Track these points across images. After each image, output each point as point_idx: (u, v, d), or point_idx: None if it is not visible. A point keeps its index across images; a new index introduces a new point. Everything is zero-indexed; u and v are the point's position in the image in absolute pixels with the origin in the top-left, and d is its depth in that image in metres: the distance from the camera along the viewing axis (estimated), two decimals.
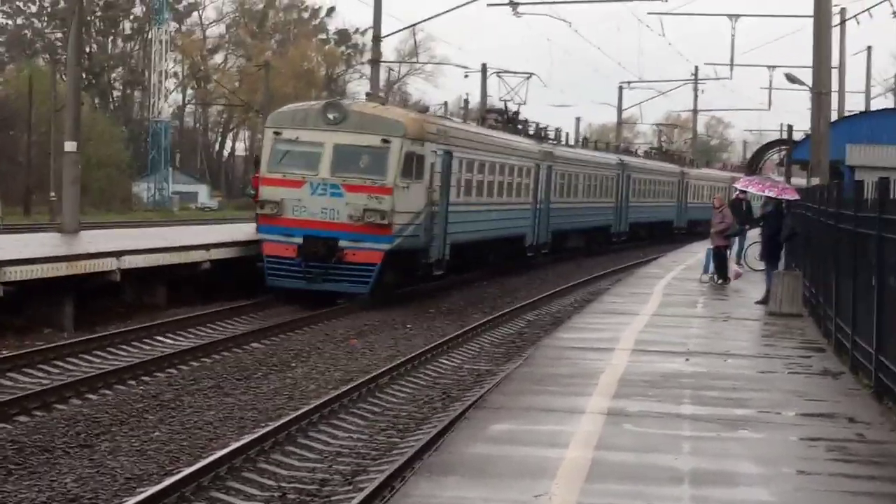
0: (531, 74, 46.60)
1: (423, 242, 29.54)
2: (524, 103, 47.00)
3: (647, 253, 54.57)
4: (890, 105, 58.70)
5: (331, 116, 28.14)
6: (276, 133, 28.98)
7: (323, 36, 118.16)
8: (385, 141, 27.86)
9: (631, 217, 57.03)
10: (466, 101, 53.18)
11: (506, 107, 47.11)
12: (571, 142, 53.54)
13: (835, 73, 37.64)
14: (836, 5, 34.01)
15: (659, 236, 63.80)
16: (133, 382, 18.82)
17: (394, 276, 29.06)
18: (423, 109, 39.51)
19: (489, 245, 38.59)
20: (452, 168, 32.14)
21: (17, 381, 18.50)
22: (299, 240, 27.38)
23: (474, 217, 34.90)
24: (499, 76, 48.67)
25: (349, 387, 18.85)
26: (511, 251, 41.86)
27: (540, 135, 46.80)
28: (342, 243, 27.21)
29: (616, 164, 54.82)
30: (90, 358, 20.66)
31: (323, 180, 27.64)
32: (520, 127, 45.74)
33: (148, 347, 22.34)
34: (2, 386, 18.03)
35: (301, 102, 39.08)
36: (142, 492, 12.51)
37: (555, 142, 48.38)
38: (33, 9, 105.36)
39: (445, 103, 43.85)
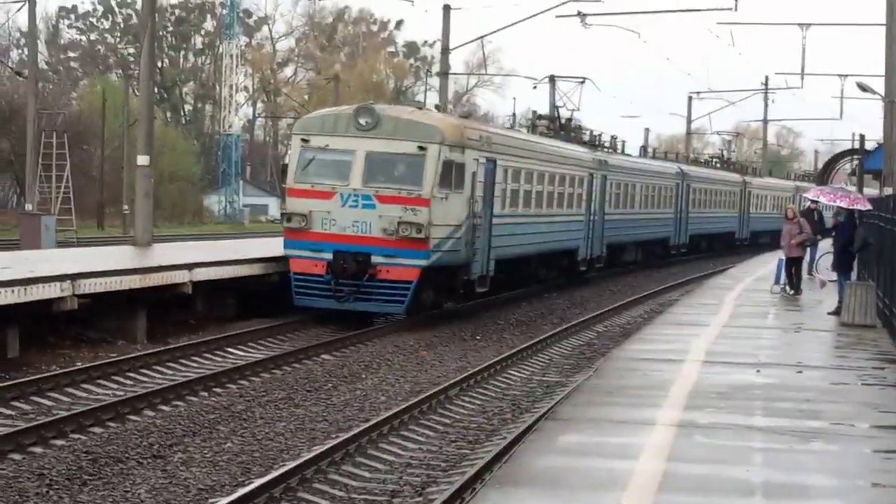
0: (585, 79, 44.71)
1: (464, 257, 26.82)
2: (577, 109, 45.43)
3: (710, 266, 53.91)
4: None
5: (362, 122, 25.55)
6: (304, 140, 26.31)
7: (392, 48, 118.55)
8: (421, 148, 25.26)
9: (691, 228, 55.56)
10: (514, 112, 52.03)
11: (557, 113, 45.18)
12: (631, 150, 52.04)
13: None
14: None
15: (720, 248, 63.44)
16: (205, 394, 18.93)
17: (433, 295, 26.46)
18: (466, 115, 39.13)
19: (538, 259, 36.34)
20: (497, 177, 29.61)
21: (91, 392, 18.68)
22: (329, 255, 24.97)
23: (522, 230, 32.45)
24: (550, 81, 46.41)
25: (419, 398, 18.75)
26: (562, 265, 39.77)
27: (594, 142, 45.34)
28: (375, 259, 24.69)
29: (676, 173, 53.54)
30: (162, 369, 20.92)
31: (354, 191, 25.03)
32: (572, 134, 44.12)
33: (219, 359, 22.49)
34: (76, 397, 18.19)
35: (332, 108, 35.21)
36: (214, 503, 12.92)
37: (610, 150, 46.73)
38: (106, 25, 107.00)
39: (514, 115, 42.97)
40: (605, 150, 45.00)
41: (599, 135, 47.14)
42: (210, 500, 13.14)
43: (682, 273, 49.54)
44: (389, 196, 24.42)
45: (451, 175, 25.33)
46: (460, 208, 26.02)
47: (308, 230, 24.98)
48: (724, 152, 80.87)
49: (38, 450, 14.96)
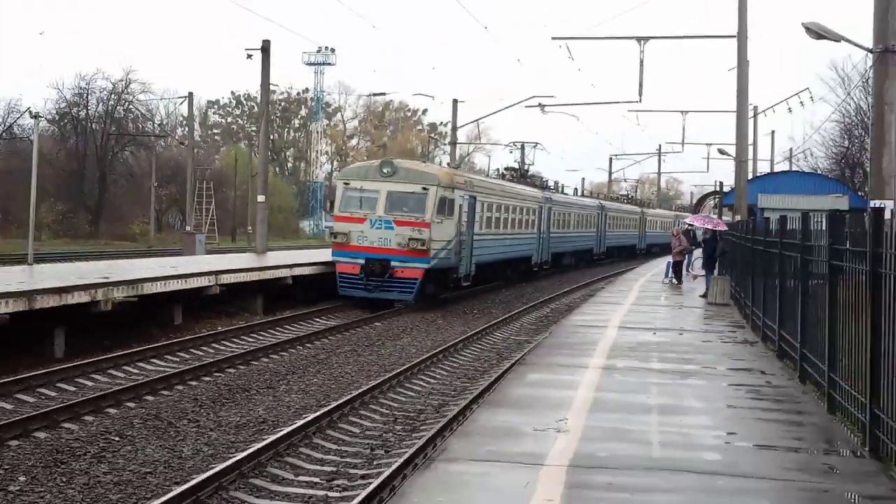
0: (537, 144, 47.35)
1: (454, 262, 28.51)
2: (533, 164, 47.93)
3: (621, 266, 55.41)
4: (786, 168, 57.62)
5: (385, 171, 27.12)
6: (346, 183, 28.11)
7: (419, 127, 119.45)
8: (424, 189, 26.83)
9: (608, 242, 58.12)
10: (488, 166, 53.75)
11: (521, 166, 46.69)
12: (568, 191, 54.09)
13: (751, 148, 37.27)
14: (751, 104, 33.53)
15: (626, 255, 65.28)
16: (300, 347, 20.37)
17: (433, 287, 28.23)
18: (456, 166, 40.86)
19: (505, 263, 37.16)
20: (476, 208, 30.88)
21: (228, 346, 20.21)
22: (362, 261, 26.50)
23: (494, 244, 33.60)
24: (513, 144, 48.43)
25: (436, 350, 20.08)
26: (522, 268, 40.35)
27: (543, 185, 46.31)
28: (394, 263, 26.27)
29: (597, 205, 55.75)
30: (273, 332, 22.90)
31: (379, 217, 26.68)
32: (528, 179, 45.32)
33: (309, 325, 24.51)
34: (218, 350, 19.72)
35: (365, 162, 39.56)
36: (307, 416, 13.59)
37: (553, 190, 47.84)
38: (237, 112, 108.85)
39: (488, 168, 46.30)
40: (551, 190, 46.77)
41: (547, 180, 49.32)
42: (304, 414, 13.78)
43: (602, 271, 51.16)
44: (403, 221, 26.55)
45: (445, 206, 27.42)
46: (451, 229, 27.96)
47: (348, 244, 26.95)
48: (630, 193, 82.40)
49: (193, 383, 16.14)
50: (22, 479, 10.15)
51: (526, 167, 47.82)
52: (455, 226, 28.27)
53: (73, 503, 9.54)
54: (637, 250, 68.74)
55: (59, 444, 11.47)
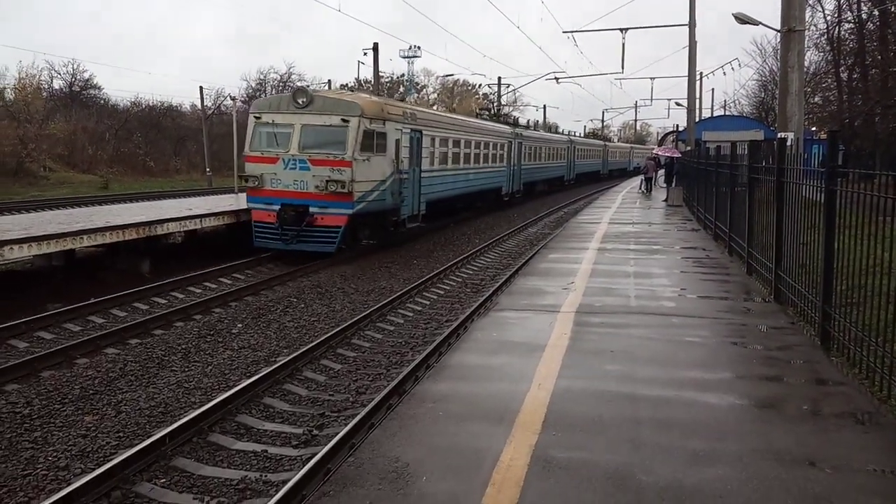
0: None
1: (390, 203, 17.12)
2: (506, 105, 41.51)
3: (590, 189, 43.70)
4: (722, 113, 55.40)
5: (299, 101, 16.12)
6: (257, 118, 16.64)
7: (477, 96, 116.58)
8: (344, 121, 15.85)
9: (577, 170, 46.19)
10: (484, 108, 42.14)
11: (492, 105, 36.38)
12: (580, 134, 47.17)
13: (697, 101, 36.01)
14: (698, 70, 32.40)
15: (591, 180, 53.34)
16: (278, 287, 12.96)
17: (368, 232, 17.42)
18: (402, 98, 25.39)
19: (470, 196, 25.34)
20: (424, 143, 19.17)
21: (236, 280, 13.69)
22: (277, 207, 15.91)
23: (449, 179, 21.80)
24: (474, 84, 40.41)
25: (429, 276, 13.68)
26: (492, 198, 28.43)
27: (515, 123, 34.96)
28: (312, 210, 15.72)
29: (567, 140, 43.90)
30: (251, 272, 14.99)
31: (293, 156, 15.91)
32: (500, 119, 34.56)
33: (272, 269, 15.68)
34: (236, 280, 13.56)
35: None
36: (411, 285, 12.79)
37: (525, 127, 36.09)
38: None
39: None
40: (521, 127, 34.28)
41: (517, 118, 39.42)
42: (408, 286, 12.89)
43: (576, 193, 40.48)
44: (320, 160, 15.58)
45: (372, 142, 16.15)
46: (383, 167, 16.56)
47: (262, 188, 15.99)
48: (595, 131, 74.53)
49: (341, 267, 14.67)
50: (239, 325, 10.29)
51: (498, 108, 37.42)
52: (390, 163, 16.91)
53: (270, 339, 9.69)
54: (601, 175, 57.90)
55: (260, 304, 11.55)
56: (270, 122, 16.12)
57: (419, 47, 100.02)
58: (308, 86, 17.09)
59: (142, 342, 9.36)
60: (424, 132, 19.25)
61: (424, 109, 22.27)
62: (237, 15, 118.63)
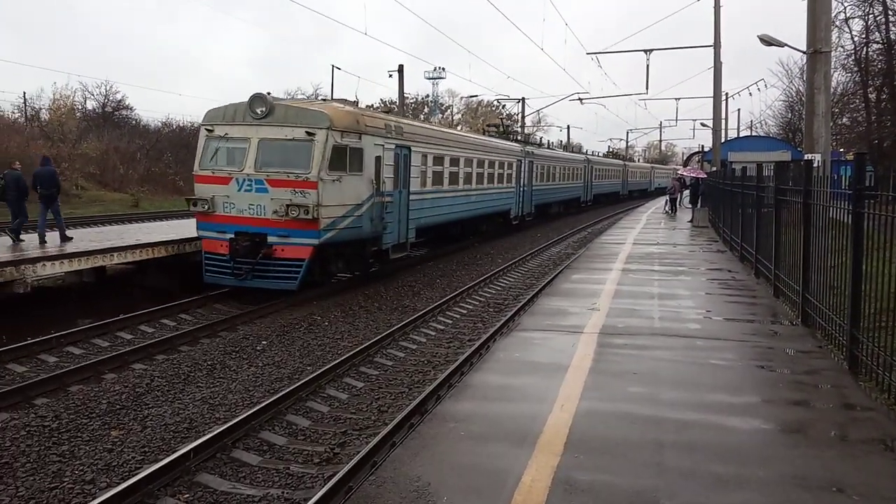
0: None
1: (368, 231, 14.26)
2: (517, 121, 38.78)
3: (608, 212, 41.84)
4: (748, 134, 55.08)
5: (258, 111, 13.34)
6: (209, 130, 13.77)
7: (501, 116, 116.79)
8: (309, 133, 13.03)
9: (595, 190, 43.96)
10: (548, 142, 43.63)
11: (502, 122, 32.93)
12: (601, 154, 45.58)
13: (723, 121, 35.76)
14: (724, 91, 32.25)
15: (610, 201, 51.16)
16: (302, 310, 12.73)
17: (342, 265, 14.69)
18: (387, 110, 20.53)
19: (475, 220, 22.56)
20: (413, 161, 16.37)
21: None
22: (231, 236, 13.14)
23: (447, 202, 18.87)
24: (499, 102, 38.61)
25: (461, 290, 14.22)
26: (498, 221, 25.68)
27: (526, 140, 32.66)
28: (271, 239, 12.93)
29: (584, 160, 41.23)
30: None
31: (248, 176, 13.10)
32: (509, 135, 31.32)
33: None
34: (258, 298, 13.01)
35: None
36: (439, 301, 12.88)
37: (537, 145, 33.58)
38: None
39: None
40: (534, 145, 32.00)
41: (529, 135, 37.90)
42: (435, 301, 13.09)
43: (597, 214, 39.31)
44: (279, 180, 12.84)
45: (344, 158, 13.35)
46: (358, 189, 13.75)
47: (214, 213, 13.23)
48: (613, 149, 72.75)
49: (366, 290, 14.29)
50: (264, 342, 10.31)
51: (508, 124, 34.02)
52: (368, 184, 14.07)
53: (293, 357, 9.71)
54: (620, 196, 54.88)
55: (285, 321, 11.56)
56: (223, 135, 13.51)
57: (443, 69, 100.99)
58: (269, 94, 13.29)
59: (168, 358, 9.49)
60: (414, 148, 16.52)
61: (414, 122, 19.01)
62: (266, 37, 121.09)
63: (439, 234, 20.81)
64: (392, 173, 15.31)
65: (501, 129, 31.44)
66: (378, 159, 14.54)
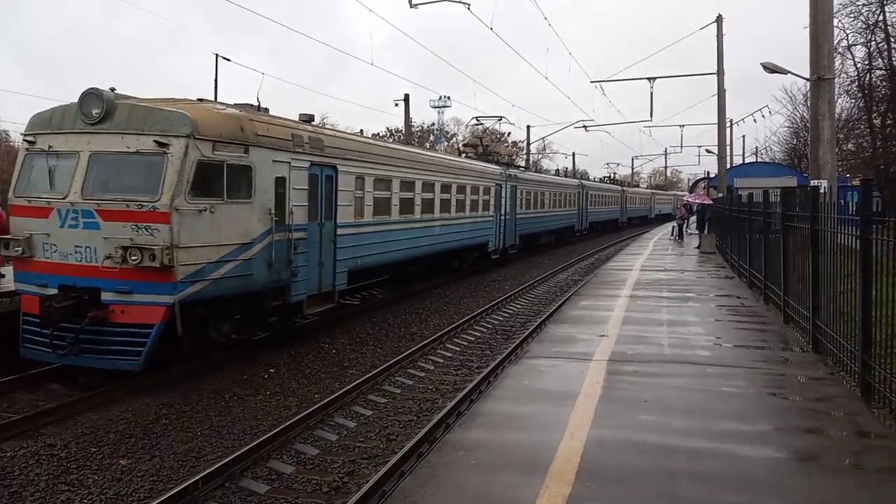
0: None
1: (263, 280, 10.01)
2: (497, 141, 35.86)
3: (605, 241, 39.35)
4: (753, 160, 55.17)
5: (92, 112, 8.81)
6: (30, 142, 9.41)
7: (506, 144, 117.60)
8: (160, 143, 8.63)
9: (590, 218, 40.41)
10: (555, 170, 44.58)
11: (481, 142, 27.97)
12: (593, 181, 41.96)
13: (728, 147, 35.86)
14: (728, 117, 32.32)
15: (607, 230, 47.87)
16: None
17: (228, 327, 10.13)
18: (265, 110, 11.59)
19: (440, 255, 18.45)
20: (339, 185, 12.22)
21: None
22: (54, 291, 8.87)
23: (397, 236, 15.01)
24: (479, 122, 33.66)
25: (465, 318, 14.71)
26: (472, 256, 21.66)
27: (508, 164, 28.42)
28: (106, 296, 8.57)
29: (577, 185, 38.14)
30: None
31: (72, 205, 8.75)
32: (488, 157, 25.87)
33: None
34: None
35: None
36: (449, 326, 13.10)
37: (522, 168, 30.76)
38: (391, 141, 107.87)
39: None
40: (517, 168, 28.48)
41: (513, 157, 36.61)
42: (445, 328, 12.90)
43: (594, 245, 36.44)
44: (115, 211, 8.69)
45: (220, 180, 9.25)
46: (246, 222, 9.67)
47: (33, 258, 9.08)
48: (612, 174, 66.96)
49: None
50: (272, 370, 10.30)
51: (488, 144, 28.85)
52: (261, 215, 9.99)
53: (302, 384, 9.69)
54: (619, 223, 51.45)
55: (295, 349, 11.48)
56: (46, 147, 9.53)
57: (449, 97, 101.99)
58: (113, 89, 8.76)
59: (176, 388, 9.34)
60: (342, 168, 12.56)
61: (344, 134, 14.67)
62: (273, 66, 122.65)
63: (393, 276, 17.12)
64: (305, 200, 11.34)
65: (480, 150, 26.76)
66: (280, 181, 10.59)
